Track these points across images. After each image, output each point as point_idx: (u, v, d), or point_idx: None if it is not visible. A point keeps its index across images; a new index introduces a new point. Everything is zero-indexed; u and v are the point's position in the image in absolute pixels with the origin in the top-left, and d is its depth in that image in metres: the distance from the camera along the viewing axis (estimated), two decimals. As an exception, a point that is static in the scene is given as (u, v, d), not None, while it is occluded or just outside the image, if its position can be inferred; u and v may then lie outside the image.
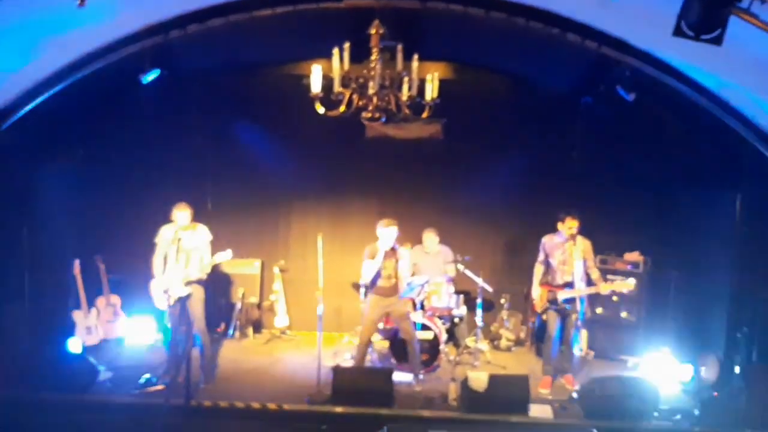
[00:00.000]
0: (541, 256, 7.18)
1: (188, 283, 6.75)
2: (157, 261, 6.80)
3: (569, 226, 6.88)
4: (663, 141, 7.74)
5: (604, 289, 6.87)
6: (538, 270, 7.20)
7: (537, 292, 7.17)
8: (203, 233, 6.89)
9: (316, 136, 8.32)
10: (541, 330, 7.57)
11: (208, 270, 6.83)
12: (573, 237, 6.88)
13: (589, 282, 6.96)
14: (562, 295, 6.94)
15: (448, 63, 7.72)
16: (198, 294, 6.83)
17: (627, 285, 6.85)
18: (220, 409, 6.21)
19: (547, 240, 7.16)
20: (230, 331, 8.59)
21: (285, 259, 8.94)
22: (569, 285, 6.92)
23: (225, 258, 6.85)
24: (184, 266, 6.77)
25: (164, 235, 6.81)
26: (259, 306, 8.85)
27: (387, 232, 6.79)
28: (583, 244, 6.97)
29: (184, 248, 6.76)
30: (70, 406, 6.03)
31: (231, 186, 8.76)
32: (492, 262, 8.64)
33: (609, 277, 7.61)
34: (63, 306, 7.64)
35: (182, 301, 6.77)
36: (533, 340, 8.55)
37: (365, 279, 6.96)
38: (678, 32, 3.78)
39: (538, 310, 7.22)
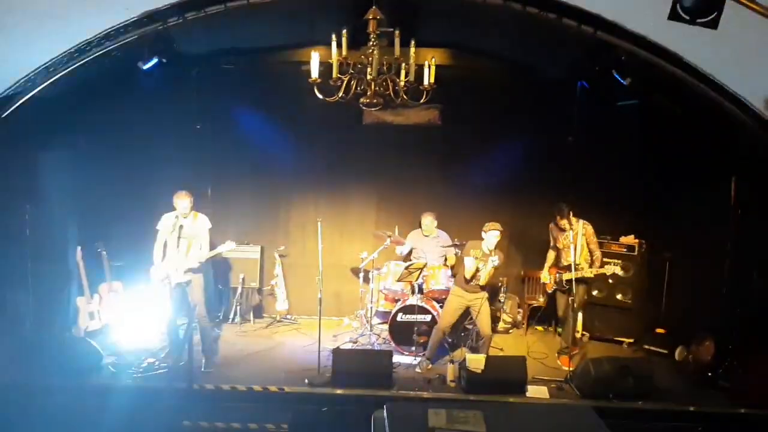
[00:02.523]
0: (552, 242, 7.48)
1: (188, 270, 6.85)
2: (157, 247, 6.91)
3: (562, 225, 7.24)
4: (658, 124, 7.78)
5: (588, 272, 7.09)
6: (550, 255, 7.54)
7: (544, 275, 7.50)
8: (203, 222, 6.99)
9: (315, 122, 8.37)
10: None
11: (205, 258, 6.92)
12: (571, 226, 7.17)
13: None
14: (565, 276, 7.14)
15: (445, 49, 7.76)
16: (198, 280, 6.93)
17: (614, 269, 7.10)
18: (222, 392, 6.32)
19: (552, 226, 7.46)
20: (231, 316, 8.67)
21: (285, 245, 9.00)
22: (570, 267, 7.08)
23: (227, 249, 7.00)
24: (185, 253, 6.86)
25: (166, 222, 6.91)
26: (259, 291, 8.92)
27: (490, 235, 6.87)
28: (584, 229, 7.20)
29: (184, 236, 6.85)
30: (74, 391, 6.14)
31: (231, 172, 8.81)
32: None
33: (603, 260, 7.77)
34: (66, 292, 7.69)
35: (182, 287, 6.89)
36: (530, 323, 8.71)
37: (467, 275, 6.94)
38: (674, 16, 3.82)
39: (548, 290, 7.55)
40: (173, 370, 6.57)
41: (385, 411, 3.93)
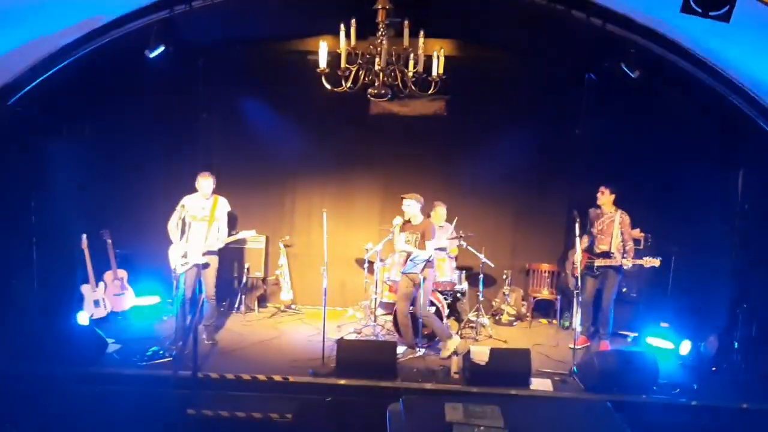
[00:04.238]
0: (588, 225, 7.50)
1: (207, 252, 7.01)
2: (172, 227, 7.00)
3: (600, 202, 7.42)
4: (666, 118, 7.74)
5: (626, 263, 7.13)
6: (583, 240, 7.40)
7: (577, 258, 7.32)
8: (223, 204, 7.19)
9: (321, 112, 8.34)
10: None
11: (226, 242, 7.16)
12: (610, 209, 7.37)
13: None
14: (598, 262, 7.25)
15: (452, 40, 7.71)
16: (213, 263, 7.14)
17: (653, 262, 7.05)
18: (227, 380, 6.32)
19: (592, 209, 7.54)
20: (236, 305, 8.70)
21: (290, 235, 9.01)
22: (604, 254, 7.25)
23: (248, 235, 7.33)
24: (204, 236, 7.02)
25: (188, 203, 7.04)
26: (264, 280, 8.94)
27: (403, 205, 7.07)
28: (621, 218, 7.30)
29: (204, 218, 7.03)
30: (78, 379, 6.13)
31: (236, 161, 8.78)
32: (494, 238, 8.68)
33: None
34: (71, 280, 7.71)
35: (197, 269, 7.02)
36: (534, 315, 8.73)
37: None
38: (686, 9, 3.79)
39: (576, 274, 7.40)
40: (178, 358, 6.59)
41: (401, 405, 3.90)
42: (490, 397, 5.66)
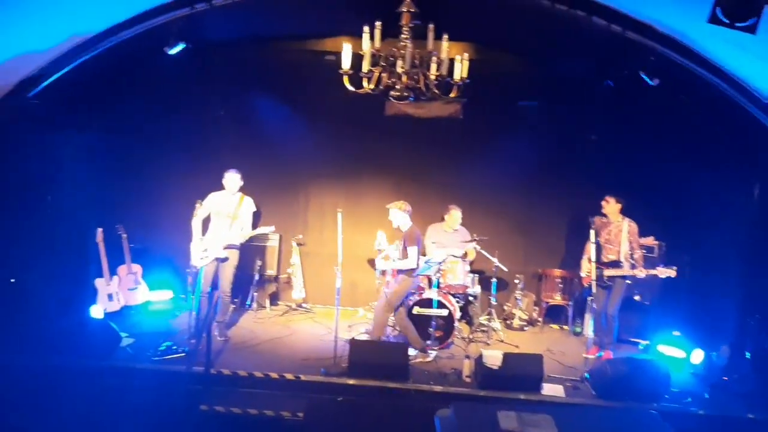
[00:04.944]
0: (592, 236, 7.30)
1: (227, 247, 7.08)
2: (196, 222, 7.10)
3: (606, 211, 7.36)
4: (683, 127, 7.71)
5: (640, 274, 7.08)
6: (589, 248, 7.28)
7: (584, 267, 7.41)
8: (248, 204, 7.31)
9: (336, 112, 8.34)
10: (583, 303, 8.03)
11: (248, 236, 7.27)
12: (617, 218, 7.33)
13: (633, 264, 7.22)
14: (607, 272, 7.20)
15: (469, 43, 7.69)
16: (233, 259, 7.21)
17: (668, 272, 6.99)
18: (239, 377, 6.36)
19: (597, 218, 7.43)
20: (248, 303, 8.73)
21: (303, 234, 9.04)
22: (613, 263, 7.18)
23: (267, 231, 7.49)
24: (227, 231, 7.10)
25: (213, 200, 7.18)
26: (276, 279, 8.97)
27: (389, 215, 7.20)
28: (629, 226, 7.25)
29: (228, 215, 7.14)
30: (91, 373, 6.16)
31: (251, 159, 8.78)
32: (507, 242, 8.67)
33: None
34: (85, 274, 7.75)
35: (217, 263, 7.12)
36: (546, 321, 8.73)
37: None
38: (714, 20, 3.79)
39: (585, 284, 7.41)
40: (191, 353, 6.61)
41: (452, 411, 3.89)
42: (537, 406, 5.67)
